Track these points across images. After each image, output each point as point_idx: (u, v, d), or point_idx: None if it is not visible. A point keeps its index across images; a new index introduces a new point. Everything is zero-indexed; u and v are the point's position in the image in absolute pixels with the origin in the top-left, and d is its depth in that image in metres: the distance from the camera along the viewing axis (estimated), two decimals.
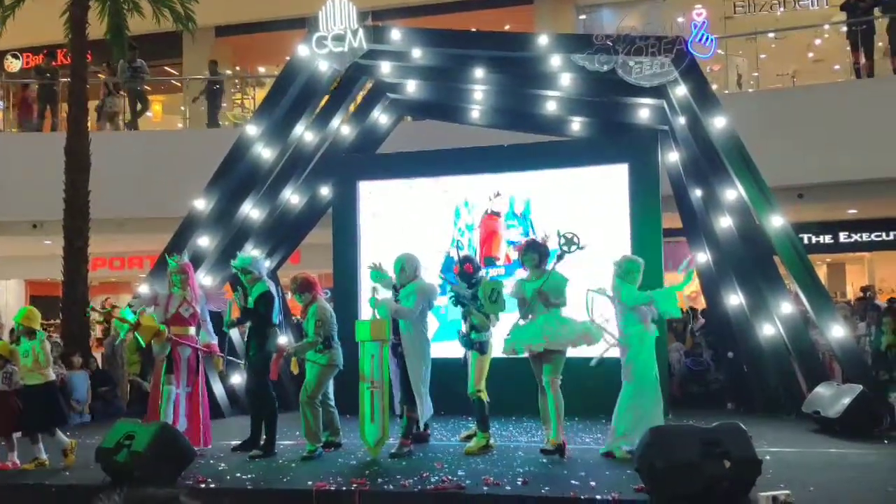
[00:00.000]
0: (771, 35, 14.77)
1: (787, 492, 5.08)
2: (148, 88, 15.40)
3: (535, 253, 6.73)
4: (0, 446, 6.87)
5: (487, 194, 9.84)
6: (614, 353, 6.80)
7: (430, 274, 8.88)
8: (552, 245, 6.83)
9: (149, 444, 5.93)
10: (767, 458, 5.80)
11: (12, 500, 6.24)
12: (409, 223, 9.92)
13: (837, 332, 8.21)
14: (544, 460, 6.52)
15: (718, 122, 8.72)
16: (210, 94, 15.11)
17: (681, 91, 8.97)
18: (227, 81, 16.85)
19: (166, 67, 18.65)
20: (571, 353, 6.75)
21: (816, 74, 15.01)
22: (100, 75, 15.24)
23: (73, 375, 9.77)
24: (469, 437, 7.34)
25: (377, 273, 7.35)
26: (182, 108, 16.36)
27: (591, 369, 6.70)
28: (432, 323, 8.82)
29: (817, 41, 15.71)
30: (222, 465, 6.73)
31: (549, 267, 6.72)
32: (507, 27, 16.62)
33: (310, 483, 5.85)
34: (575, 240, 6.63)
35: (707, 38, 8.83)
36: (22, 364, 6.83)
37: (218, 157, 10.01)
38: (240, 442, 7.46)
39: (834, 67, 14.90)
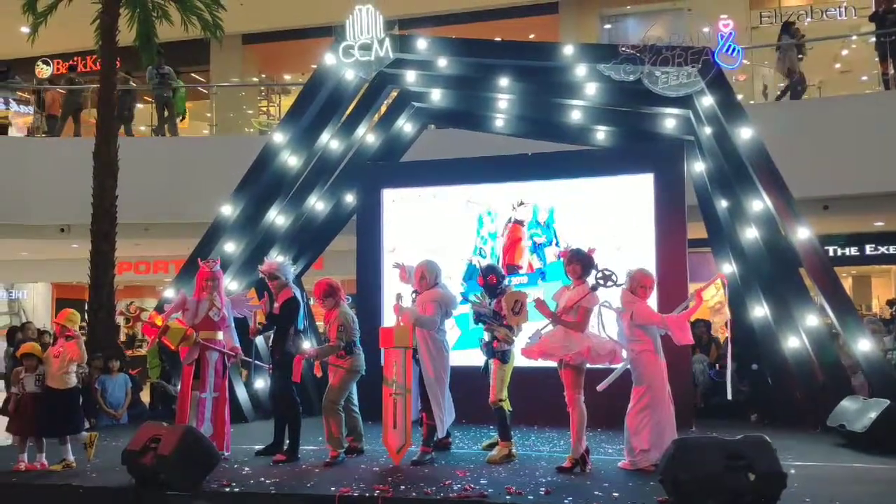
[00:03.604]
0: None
1: None
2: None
3: (577, 264, 6.72)
4: (28, 447, 6.96)
5: (511, 203, 9.86)
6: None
7: (453, 282, 8.93)
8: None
9: (175, 448, 5.98)
10: (792, 471, 5.76)
11: (40, 500, 6.32)
12: (432, 231, 9.95)
13: (864, 345, 8.14)
14: None
15: (745, 133, 8.69)
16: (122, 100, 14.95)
17: (707, 101, 8.96)
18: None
19: (194, 74, 18.88)
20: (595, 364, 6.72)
21: (843, 85, 14.92)
22: (132, 82, 15.45)
23: (109, 379, 9.87)
24: (491, 446, 7.34)
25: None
26: (208, 114, 16.53)
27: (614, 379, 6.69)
28: (454, 331, 8.87)
29: (844, 52, 15.63)
30: (246, 469, 6.77)
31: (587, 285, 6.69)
32: (531, 36, 16.70)
33: (333, 489, 5.87)
34: (613, 277, 6.61)
35: (734, 49, 8.81)
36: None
37: (244, 164, 10.12)
38: (263, 446, 7.51)
39: (861, 78, 14.80)
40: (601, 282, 6.60)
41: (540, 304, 6.60)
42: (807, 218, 8.56)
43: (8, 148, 14.83)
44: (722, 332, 11.54)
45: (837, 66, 15.72)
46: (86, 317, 11.47)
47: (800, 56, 13.37)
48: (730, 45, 8.76)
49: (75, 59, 16.79)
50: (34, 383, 6.94)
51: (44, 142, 14.93)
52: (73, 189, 12.45)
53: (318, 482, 6.21)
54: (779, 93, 13.69)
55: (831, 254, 14.25)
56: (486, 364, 7.21)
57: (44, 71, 16.09)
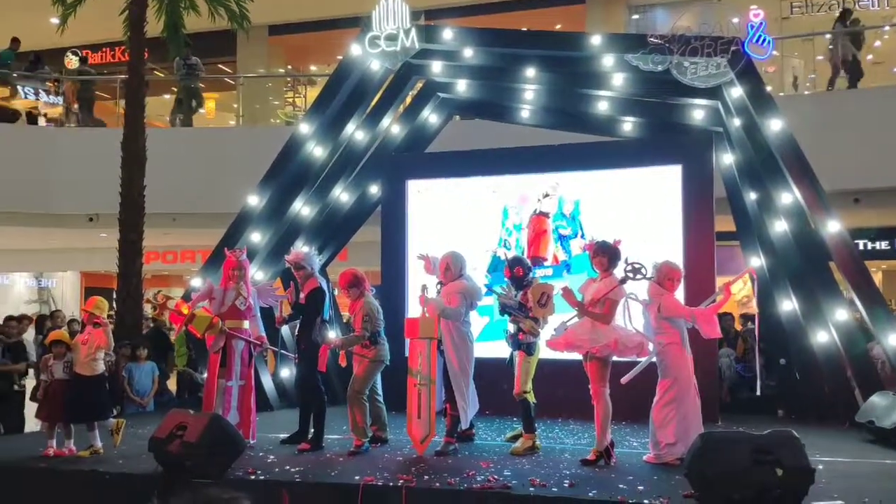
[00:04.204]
0: (828, 36, 14.44)
1: (840, 502, 4.99)
2: (202, 86, 15.64)
3: (603, 256, 6.67)
4: (57, 433, 7.05)
5: (536, 194, 9.81)
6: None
7: (478, 274, 8.91)
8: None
9: (201, 435, 6.03)
10: (820, 467, 5.68)
11: (68, 485, 6.41)
12: (457, 222, 9.93)
13: (894, 340, 8.02)
14: None
15: (775, 125, 8.58)
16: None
17: (736, 92, 8.85)
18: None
19: (220, 65, 18.97)
20: (621, 357, 6.68)
21: (875, 77, 14.68)
22: (157, 73, 15.56)
23: (136, 367, 9.95)
24: (514, 438, 7.33)
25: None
26: (235, 105, 16.61)
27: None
28: (479, 322, 8.85)
29: (877, 43, 15.37)
30: (271, 457, 6.81)
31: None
32: (558, 27, 16.59)
33: (357, 478, 5.89)
34: (643, 270, 6.55)
35: (764, 39, 8.68)
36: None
37: (270, 155, 10.15)
38: (288, 435, 7.56)
39: (893, 69, 14.56)
40: (630, 275, 6.54)
41: (567, 293, 6.56)
42: (837, 211, 8.44)
43: (36, 137, 15.00)
44: (738, 325, 11.44)
45: (870, 57, 15.45)
46: (114, 305, 11.60)
47: (857, 41, 12.99)
48: (760, 36, 8.64)
49: (103, 49, 16.92)
50: (62, 370, 7.02)
51: (71, 132, 15.07)
52: (101, 179, 12.58)
53: (343, 471, 6.23)
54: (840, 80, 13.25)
55: (862, 247, 14.03)
56: (512, 356, 7.20)
57: (73, 62, 16.21)
